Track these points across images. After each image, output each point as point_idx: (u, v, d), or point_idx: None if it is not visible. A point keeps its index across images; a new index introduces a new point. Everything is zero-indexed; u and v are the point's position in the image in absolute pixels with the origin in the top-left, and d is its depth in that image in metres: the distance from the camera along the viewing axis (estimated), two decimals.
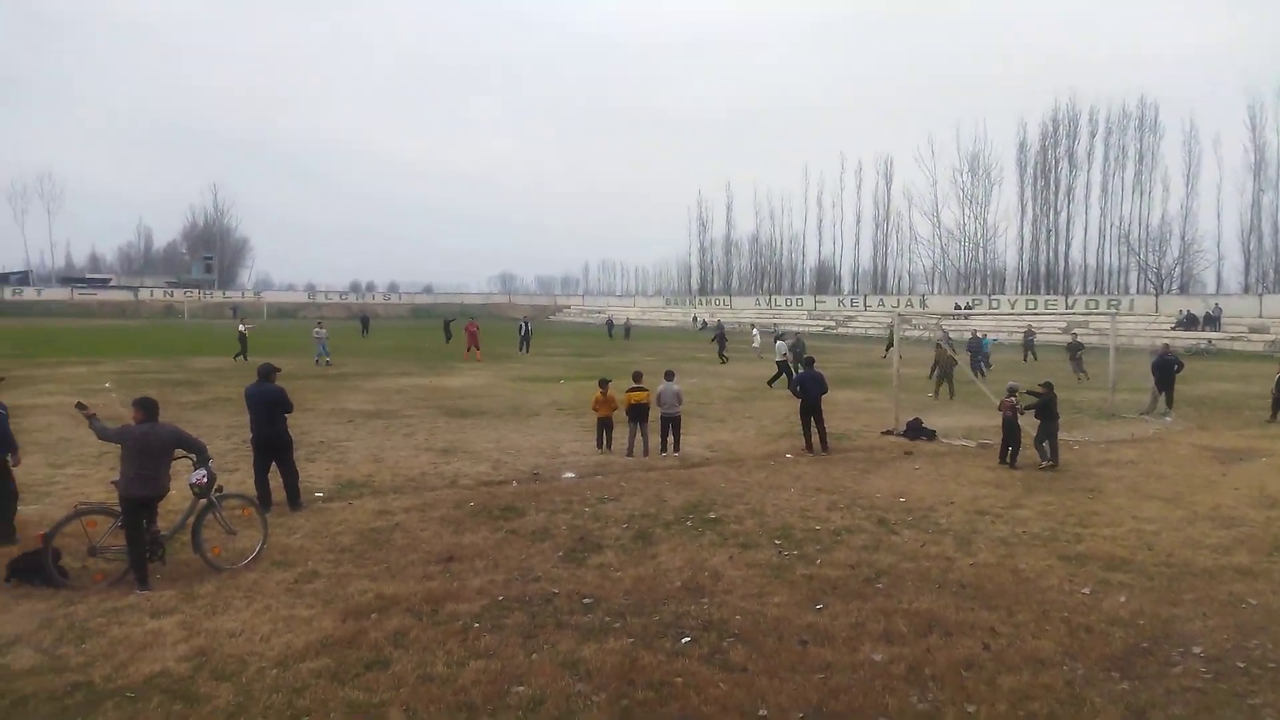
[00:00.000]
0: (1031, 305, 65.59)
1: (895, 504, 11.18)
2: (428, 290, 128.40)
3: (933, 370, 27.13)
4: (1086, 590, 7.78)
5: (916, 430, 16.83)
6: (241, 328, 35.33)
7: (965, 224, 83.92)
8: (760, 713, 5.34)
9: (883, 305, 74.02)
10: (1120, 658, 6.26)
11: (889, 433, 17.17)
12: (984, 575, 8.18)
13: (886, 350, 38.81)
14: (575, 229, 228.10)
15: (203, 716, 5.22)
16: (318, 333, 33.68)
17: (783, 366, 27.39)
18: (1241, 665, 6.13)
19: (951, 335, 35.50)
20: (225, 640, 6.41)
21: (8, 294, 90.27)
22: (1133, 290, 71.58)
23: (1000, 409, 14.35)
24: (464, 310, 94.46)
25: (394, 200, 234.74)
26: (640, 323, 76.63)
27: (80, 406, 8.40)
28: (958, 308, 63.61)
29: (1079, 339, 32.62)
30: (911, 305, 72.44)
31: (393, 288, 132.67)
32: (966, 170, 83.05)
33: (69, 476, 12.26)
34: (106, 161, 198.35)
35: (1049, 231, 79.21)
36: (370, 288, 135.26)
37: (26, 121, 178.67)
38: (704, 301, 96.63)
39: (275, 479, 10.79)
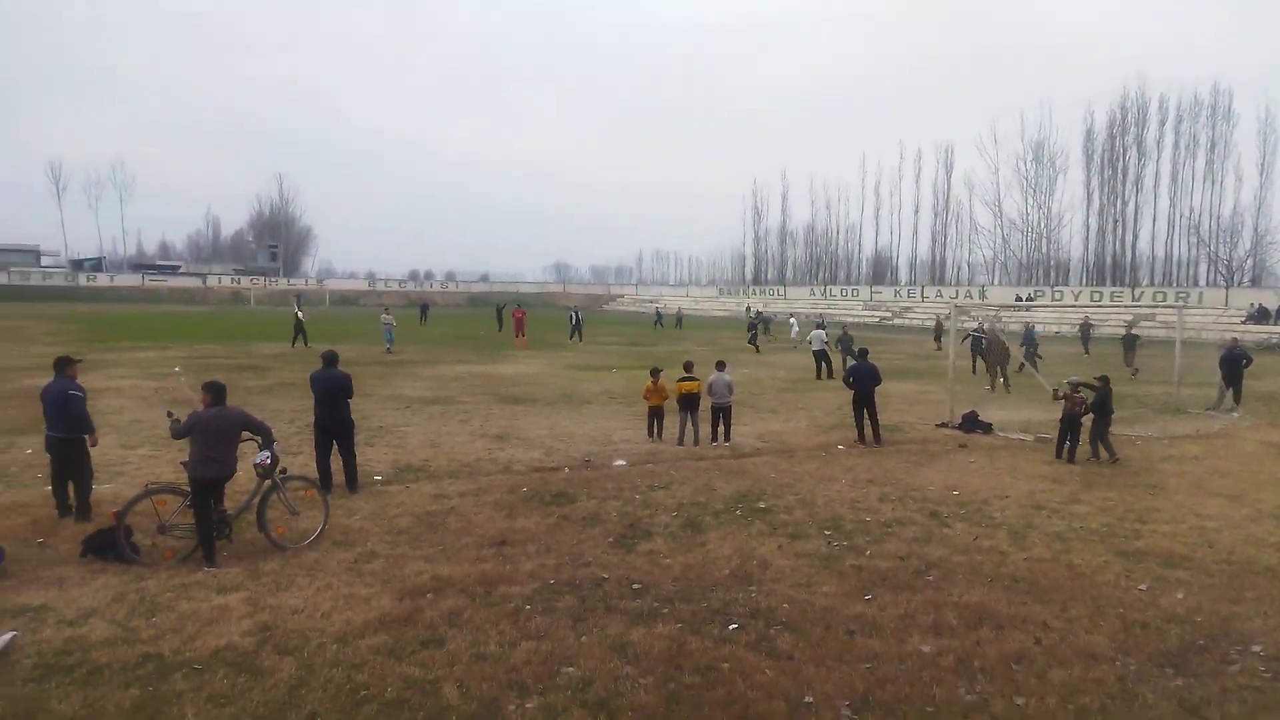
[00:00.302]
0: (1096, 297, 64.03)
1: (948, 497, 11.08)
2: (484, 279, 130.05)
3: (975, 363, 26.66)
4: (1143, 586, 7.66)
5: (972, 423, 16.60)
6: (299, 313, 36.22)
7: (1028, 213, 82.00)
8: (806, 699, 5.38)
9: (940, 296, 72.75)
10: (1175, 654, 6.17)
11: (944, 425, 16.97)
12: (1038, 570, 8.09)
13: (937, 343, 38.13)
14: (629, 220, 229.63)
15: (266, 689, 5.43)
16: (385, 319, 34.42)
17: (820, 356, 26.92)
18: None
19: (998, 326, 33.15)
20: (288, 616, 6.65)
21: (82, 280, 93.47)
22: (1202, 282, 69.26)
23: (1057, 398, 14.05)
24: (519, 298, 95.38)
25: (452, 193, 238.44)
26: (693, 313, 76.60)
27: (169, 415, 8.74)
28: (1019, 299, 62.33)
29: (1134, 331, 31.86)
30: (970, 296, 71.08)
31: (450, 276, 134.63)
32: (1030, 158, 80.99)
33: (140, 457, 12.75)
34: (176, 155, 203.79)
35: (1115, 221, 76.98)
36: (429, 276, 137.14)
37: (100, 114, 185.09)
38: (758, 291, 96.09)
39: (335, 462, 11.10)
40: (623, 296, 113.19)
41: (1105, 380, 14.16)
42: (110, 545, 7.97)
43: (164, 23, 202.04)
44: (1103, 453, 13.68)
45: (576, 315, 43.30)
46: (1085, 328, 38.10)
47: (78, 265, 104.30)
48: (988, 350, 25.00)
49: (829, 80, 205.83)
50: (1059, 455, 13.70)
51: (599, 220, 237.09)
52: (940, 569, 8.08)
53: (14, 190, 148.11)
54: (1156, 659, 6.08)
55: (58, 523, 9.19)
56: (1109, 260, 77.41)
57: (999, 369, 23.93)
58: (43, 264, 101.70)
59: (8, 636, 6.09)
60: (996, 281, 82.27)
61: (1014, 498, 11.10)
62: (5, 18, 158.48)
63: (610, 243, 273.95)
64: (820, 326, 30.34)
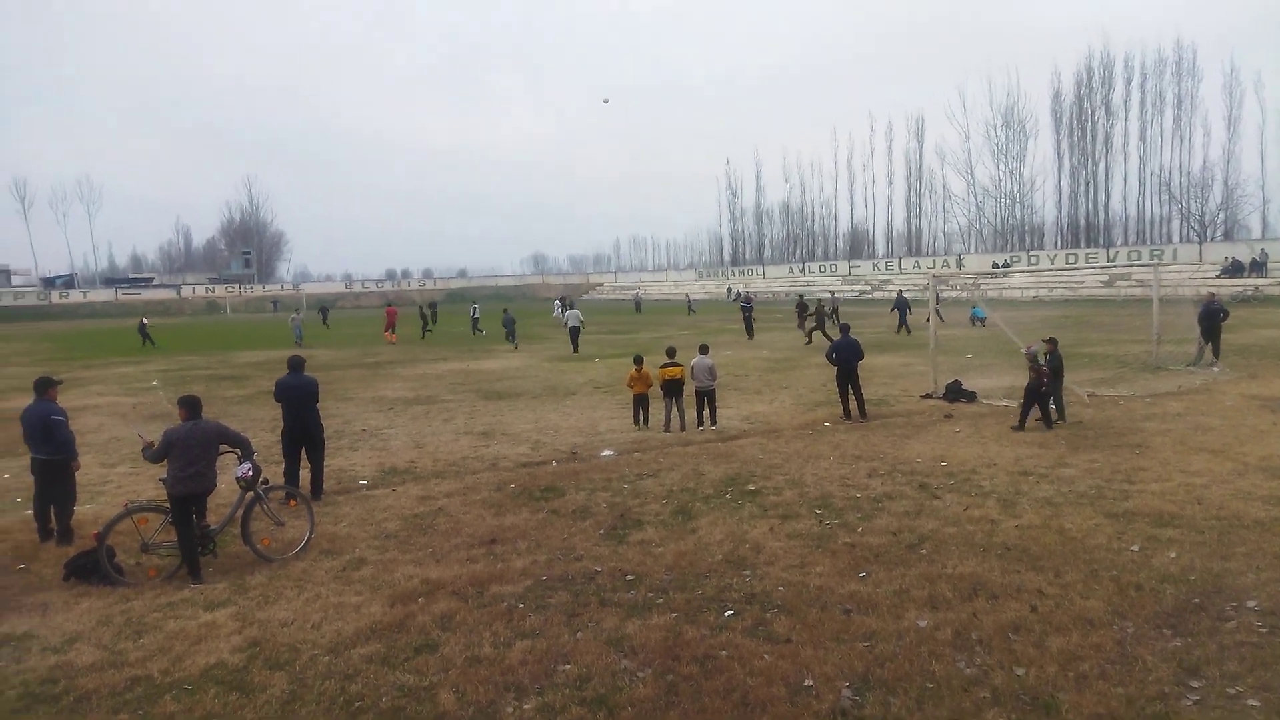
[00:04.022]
0: (1072, 259, 64.48)
1: (936, 468, 11.08)
2: (462, 274, 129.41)
3: (809, 323, 30.61)
4: (1135, 547, 7.66)
5: (956, 392, 16.64)
6: (144, 320, 40.96)
7: (1000, 179, 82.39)
8: (806, 683, 5.33)
9: (918, 267, 73.15)
10: (1172, 615, 6.17)
11: (928, 396, 17.00)
12: (1029, 537, 8.09)
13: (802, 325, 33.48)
14: (606, 208, 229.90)
15: (258, 706, 5.33)
16: (294, 318, 40.44)
17: (574, 333, 31.04)
18: None
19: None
20: (277, 630, 6.54)
21: (55, 297, 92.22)
22: (1176, 239, 69.84)
23: (1032, 366, 13.82)
24: (498, 292, 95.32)
25: (428, 189, 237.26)
26: (673, 297, 76.55)
27: (140, 438, 8.57)
28: (996, 266, 62.61)
29: (806, 300, 35.48)
30: (948, 265, 71.40)
31: (427, 274, 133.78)
32: (1000, 124, 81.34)
33: (121, 475, 12.57)
34: (143, 163, 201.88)
35: (1087, 183, 77.52)
36: (406, 274, 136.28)
37: (62, 126, 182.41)
38: (736, 272, 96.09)
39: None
40: (602, 285, 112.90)
41: (1054, 343, 14.23)
42: (93, 567, 7.82)
43: (124, 27, 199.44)
44: (1055, 413, 13.77)
45: (474, 310, 44.05)
46: (901, 303, 34.27)
47: (49, 283, 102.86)
48: (810, 314, 30.97)
49: (796, 54, 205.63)
50: (1021, 426, 13.41)
51: (575, 210, 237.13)
52: (932, 541, 8.07)
53: None
54: (1153, 620, 6.07)
55: (39, 547, 9.03)
56: (1083, 222, 77.97)
57: (818, 327, 29.66)
58: (13, 283, 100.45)
59: None
60: (973, 249, 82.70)
61: (1001, 465, 11.11)
62: None
63: (587, 232, 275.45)
64: (572, 307, 35.74)
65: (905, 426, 14.23)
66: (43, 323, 74.13)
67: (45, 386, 9.47)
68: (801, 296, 39.39)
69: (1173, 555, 7.42)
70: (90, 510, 10.13)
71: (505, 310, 37.50)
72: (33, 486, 9.39)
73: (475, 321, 42.59)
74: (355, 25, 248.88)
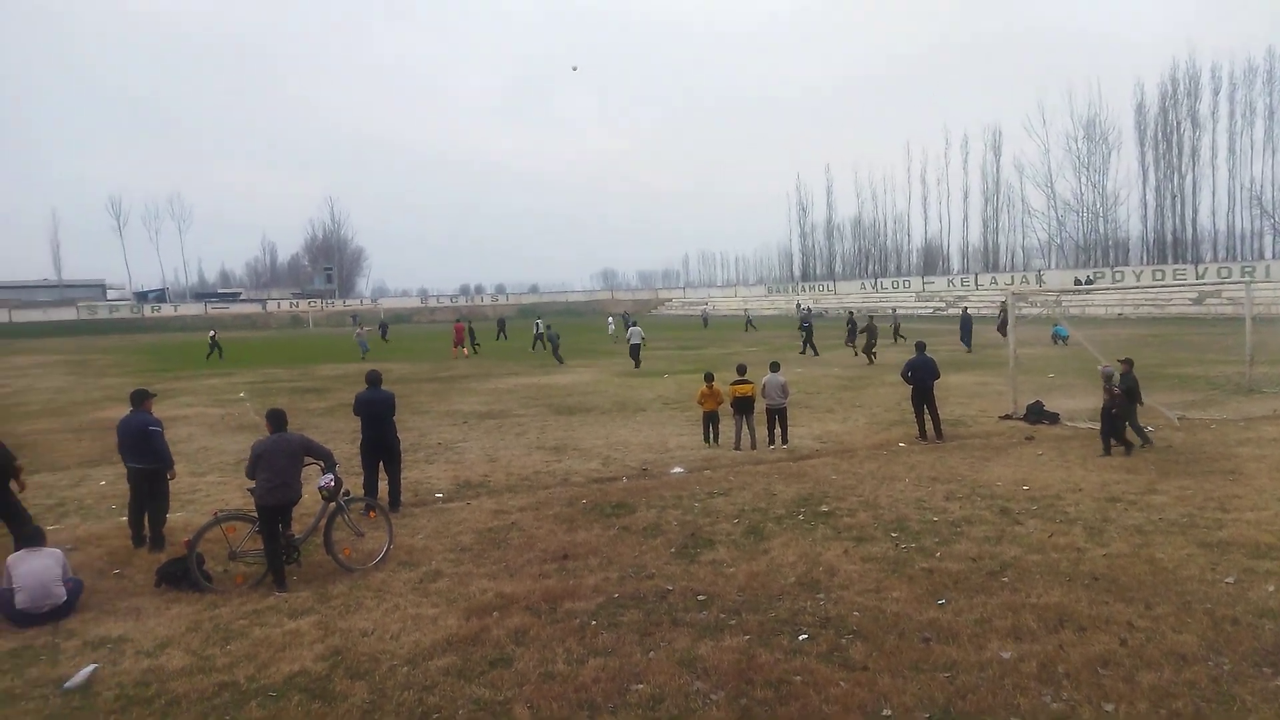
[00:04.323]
0: (1158, 276, 62.31)
1: (1018, 492, 10.78)
2: (534, 290, 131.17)
3: (868, 341, 30.09)
4: (1230, 580, 7.34)
5: (1038, 413, 16.17)
6: (212, 334, 43.98)
7: (1082, 193, 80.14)
8: (884, 713, 5.23)
9: (995, 283, 71.47)
10: (1272, 651, 5.88)
11: (1008, 417, 16.57)
12: (1118, 566, 7.81)
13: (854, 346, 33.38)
14: (675, 223, 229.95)
15: (339, 715, 5.46)
16: (359, 333, 44.12)
17: (635, 350, 30.75)
18: None
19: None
20: (358, 639, 6.69)
21: (147, 311, 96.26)
22: (1269, 255, 66.85)
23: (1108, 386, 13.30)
24: (569, 308, 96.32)
25: (501, 207, 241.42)
26: (741, 313, 76.37)
27: None
28: (1078, 282, 60.82)
29: (855, 318, 35.14)
30: (1026, 282, 69.60)
31: (500, 289, 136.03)
32: (1082, 136, 79.21)
33: (210, 484, 13.02)
34: (231, 183, 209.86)
35: (1174, 197, 74.76)
36: (479, 290, 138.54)
37: (155, 147, 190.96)
38: (807, 288, 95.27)
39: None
40: (670, 300, 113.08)
41: (1129, 363, 13.69)
42: (183, 574, 8.12)
43: (213, 54, 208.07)
44: (1134, 437, 13.21)
45: (538, 326, 43.94)
46: (965, 320, 34.71)
47: (142, 297, 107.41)
48: (860, 331, 30.90)
49: (868, 68, 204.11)
50: (1107, 451, 12.97)
51: (645, 226, 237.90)
52: (1015, 569, 7.84)
53: (79, 227, 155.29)
54: (1251, 657, 5.80)
55: (133, 553, 9.40)
56: (1169, 237, 75.21)
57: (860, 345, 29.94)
58: (109, 297, 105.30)
59: (89, 669, 6.23)
60: (1053, 265, 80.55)
61: (1087, 490, 10.76)
62: (62, 60, 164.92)
63: (657, 247, 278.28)
64: (634, 324, 35.11)
65: (984, 448, 13.89)
66: (136, 335, 77.37)
67: (142, 398, 9.88)
68: (852, 314, 39.20)
69: (1271, 589, 7.08)
70: (181, 518, 10.52)
71: (549, 327, 38.11)
72: (128, 494, 9.78)
73: (538, 337, 43.14)
74: (432, 50, 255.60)
